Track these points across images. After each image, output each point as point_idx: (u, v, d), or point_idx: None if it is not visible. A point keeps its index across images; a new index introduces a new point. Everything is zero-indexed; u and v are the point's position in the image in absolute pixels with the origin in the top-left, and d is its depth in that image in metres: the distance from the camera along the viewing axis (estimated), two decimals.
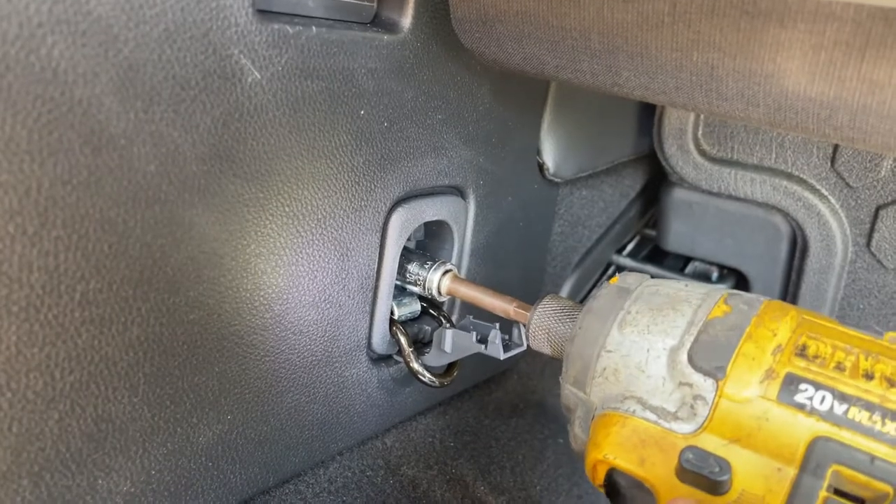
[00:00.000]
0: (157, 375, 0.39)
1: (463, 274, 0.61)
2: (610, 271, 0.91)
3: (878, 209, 0.71)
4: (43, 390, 0.34)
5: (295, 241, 0.44)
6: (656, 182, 0.86)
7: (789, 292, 0.78)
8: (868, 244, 0.72)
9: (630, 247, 0.92)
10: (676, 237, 0.83)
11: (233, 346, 0.42)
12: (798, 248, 0.76)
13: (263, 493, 0.50)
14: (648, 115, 0.78)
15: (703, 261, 0.86)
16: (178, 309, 0.38)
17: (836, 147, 0.70)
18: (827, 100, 0.37)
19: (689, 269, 0.88)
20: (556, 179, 0.68)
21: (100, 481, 0.37)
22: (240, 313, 0.42)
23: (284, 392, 0.47)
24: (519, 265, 0.70)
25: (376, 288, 0.52)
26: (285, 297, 0.45)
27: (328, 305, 0.49)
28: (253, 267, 0.42)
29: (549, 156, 0.66)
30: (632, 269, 0.90)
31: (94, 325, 0.35)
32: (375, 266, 0.52)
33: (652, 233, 0.91)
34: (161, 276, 0.37)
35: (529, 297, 0.74)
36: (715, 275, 0.86)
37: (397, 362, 0.57)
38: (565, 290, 0.81)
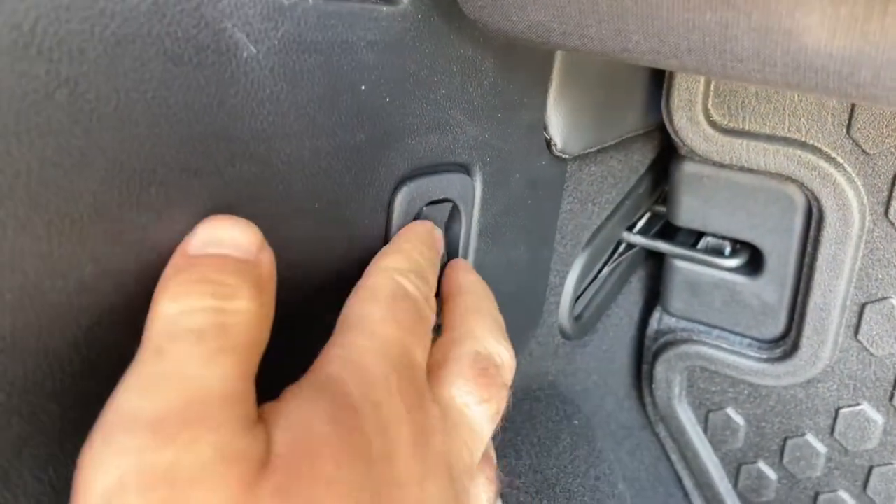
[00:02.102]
0: None
1: (471, 255, 0.60)
2: (620, 249, 0.89)
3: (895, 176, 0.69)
4: (43, 381, 0.33)
5: (295, 222, 0.43)
6: (666, 156, 0.85)
7: (805, 264, 0.76)
8: (886, 212, 0.71)
9: (641, 223, 0.90)
10: (688, 212, 0.82)
11: None
12: (814, 218, 0.74)
13: None
14: (657, 87, 0.77)
15: (715, 235, 0.84)
16: None
17: (851, 113, 0.68)
18: (849, 56, 0.35)
19: (701, 244, 0.86)
20: (564, 155, 0.67)
21: None
22: None
23: (293, 379, 0.46)
24: (528, 244, 0.68)
25: None
26: (289, 280, 0.44)
27: (334, 290, 0.48)
28: None
29: (557, 131, 0.64)
30: (643, 247, 0.89)
31: (92, 314, 0.34)
32: (381, 247, 0.50)
33: (663, 209, 0.89)
34: (159, 261, 0.36)
35: (539, 276, 0.73)
36: (728, 249, 0.84)
37: None
38: (576, 269, 0.80)
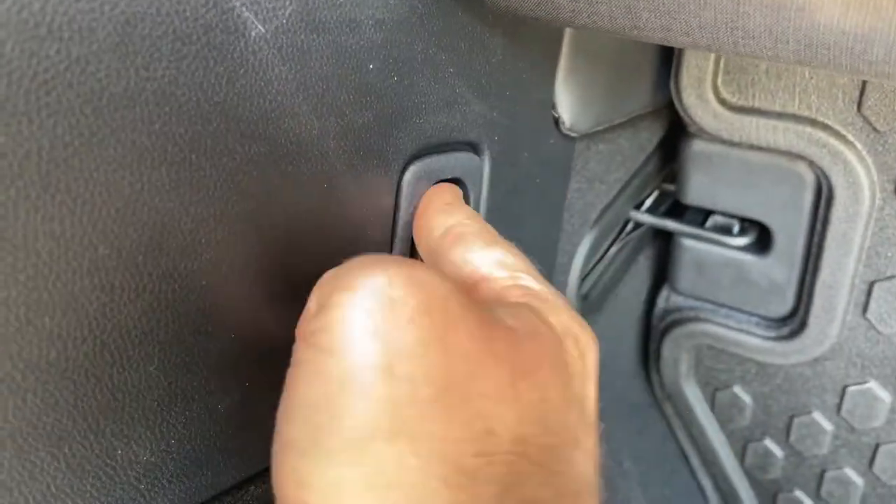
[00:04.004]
0: (172, 343, 0.38)
1: None
2: (628, 227, 0.89)
3: None
4: (56, 360, 0.33)
5: (304, 202, 0.43)
6: (674, 135, 0.84)
7: (814, 242, 0.76)
8: None
9: (649, 202, 0.90)
10: (696, 190, 0.81)
11: (247, 311, 0.41)
12: (823, 196, 0.74)
13: None
14: (666, 65, 0.76)
15: (723, 214, 0.84)
16: (190, 274, 0.37)
17: (862, 90, 0.68)
18: (862, 32, 0.35)
19: (709, 222, 0.86)
20: (573, 134, 0.66)
21: (119, 451, 0.37)
22: (252, 278, 0.41)
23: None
24: (536, 223, 0.68)
25: (392, 250, 0.51)
26: (298, 260, 0.44)
27: None
28: (264, 230, 0.41)
29: (565, 109, 0.64)
30: (651, 225, 0.89)
31: (104, 293, 0.34)
32: (390, 227, 0.50)
33: (671, 187, 0.89)
34: (171, 240, 0.36)
35: (547, 255, 0.73)
36: (736, 228, 0.84)
37: None
38: (584, 248, 0.80)
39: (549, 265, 0.74)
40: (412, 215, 0.51)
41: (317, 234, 0.44)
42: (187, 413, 0.40)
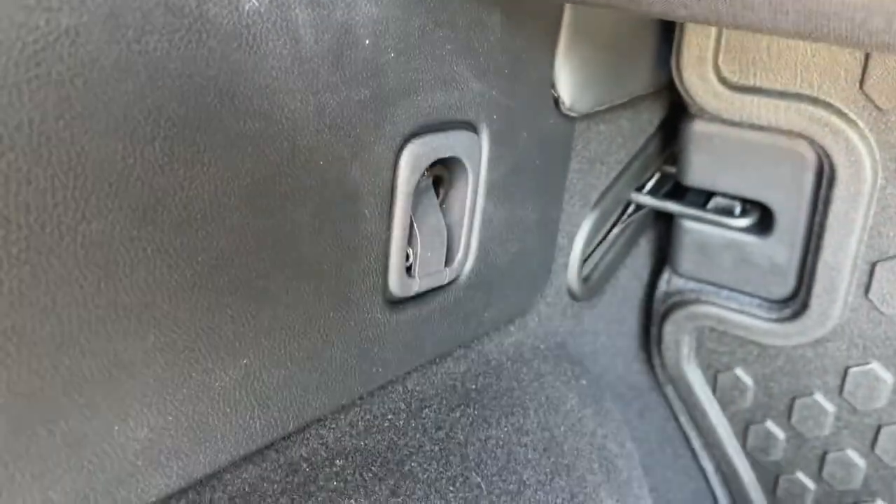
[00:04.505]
0: (169, 319, 0.38)
1: (478, 214, 0.60)
2: (629, 209, 0.88)
3: None
4: (51, 335, 0.33)
5: (301, 179, 0.42)
6: (675, 116, 0.83)
7: (816, 223, 0.76)
8: None
9: (650, 184, 0.90)
10: (697, 171, 0.81)
11: (244, 288, 0.41)
12: (825, 176, 0.73)
13: (284, 438, 0.49)
14: (666, 44, 0.75)
15: (725, 195, 0.83)
16: (186, 249, 0.37)
17: (864, 67, 0.67)
18: (862, 2, 0.34)
19: (710, 204, 0.85)
20: (573, 114, 0.66)
21: (116, 427, 0.37)
22: (249, 254, 0.41)
23: (300, 336, 0.46)
24: (535, 204, 0.68)
25: (390, 229, 0.51)
26: (295, 238, 0.44)
27: (340, 248, 0.48)
28: (259, 206, 0.40)
29: (565, 89, 0.64)
30: (652, 207, 0.88)
31: (98, 268, 0.34)
32: (388, 206, 0.50)
33: (672, 169, 0.88)
34: (165, 215, 0.36)
35: (547, 236, 0.73)
36: (738, 209, 0.83)
37: (416, 305, 0.56)
38: (584, 230, 0.79)
39: (549, 246, 0.74)
40: (410, 193, 0.51)
41: (313, 212, 0.44)
42: (185, 389, 0.40)
